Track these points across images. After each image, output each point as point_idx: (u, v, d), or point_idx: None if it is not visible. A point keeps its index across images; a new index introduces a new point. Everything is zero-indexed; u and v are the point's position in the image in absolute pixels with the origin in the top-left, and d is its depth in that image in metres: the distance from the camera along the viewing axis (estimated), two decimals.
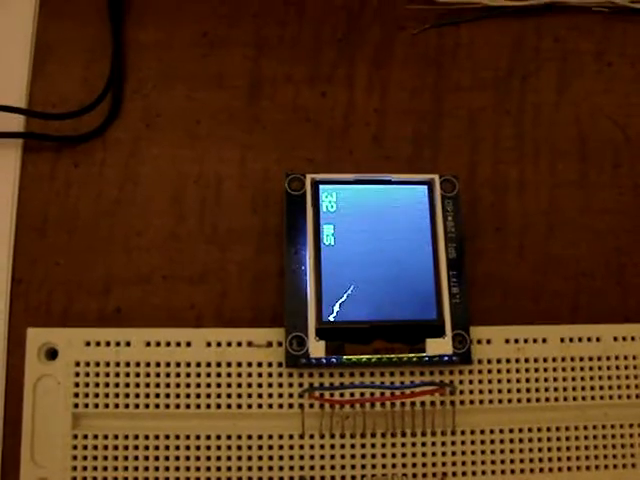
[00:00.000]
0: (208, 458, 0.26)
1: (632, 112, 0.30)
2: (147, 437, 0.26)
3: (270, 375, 0.27)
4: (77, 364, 0.26)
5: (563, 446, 0.27)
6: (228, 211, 0.29)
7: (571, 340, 0.28)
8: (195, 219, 0.29)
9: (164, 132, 0.29)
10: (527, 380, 0.27)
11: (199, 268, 0.28)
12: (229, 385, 0.26)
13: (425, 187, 0.28)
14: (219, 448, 0.26)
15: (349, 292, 0.26)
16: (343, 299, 0.26)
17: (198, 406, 0.26)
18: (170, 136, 0.29)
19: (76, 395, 0.26)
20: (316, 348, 0.26)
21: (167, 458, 0.26)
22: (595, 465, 0.27)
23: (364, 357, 0.26)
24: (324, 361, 0.26)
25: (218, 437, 0.26)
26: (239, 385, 0.26)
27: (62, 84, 0.30)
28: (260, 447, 0.26)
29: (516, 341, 0.27)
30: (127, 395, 0.26)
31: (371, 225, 0.27)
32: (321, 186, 0.27)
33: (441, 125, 0.30)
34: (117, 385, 0.26)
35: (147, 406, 0.26)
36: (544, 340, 0.27)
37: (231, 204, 0.29)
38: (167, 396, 0.26)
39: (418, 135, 0.30)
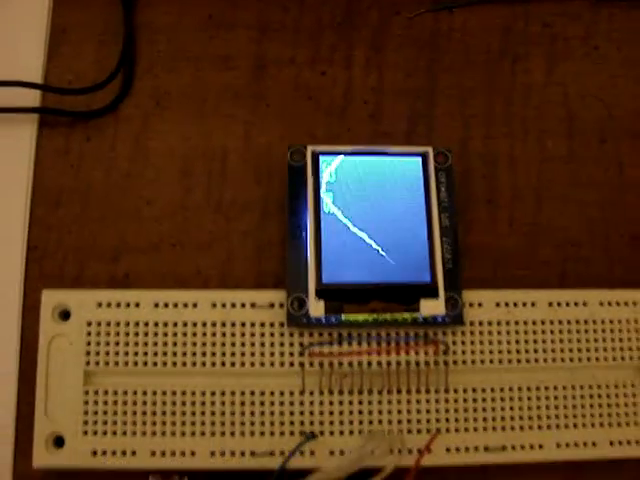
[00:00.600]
0: (212, 413, 0.27)
1: (617, 93, 0.32)
2: (155, 393, 0.27)
3: (272, 335, 0.28)
4: (89, 324, 0.28)
5: (552, 405, 0.28)
6: (233, 183, 0.30)
7: (559, 304, 0.29)
8: (202, 190, 0.30)
9: (173, 109, 0.31)
10: (517, 342, 0.28)
11: (205, 236, 0.30)
12: (233, 344, 0.28)
13: (419, 158, 0.29)
14: (223, 404, 0.27)
15: (347, 255, 0.28)
16: (342, 262, 0.28)
17: (204, 364, 0.28)
18: (178, 113, 0.31)
19: (87, 353, 0.28)
20: (316, 308, 0.27)
21: (174, 413, 0.27)
22: (582, 423, 0.28)
23: (361, 316, 0.27)
24: (323, 320, 0.27)
25: (222, 393, 0.27)
26: (243, 344, 0.28)
27: (76, 65, 0.31)
28: (262, 403, 0.27)
29: (506, 304, 0.29)
30: (136, 353, 0.28)
31: (368, 193, 0.29)
32: (321, 157, 0.29)
33: (435, 103, 0.31)
34: (127, 344, 0.28)
35: (155, 364, 0.28)
36: (533, 304, 0.29)
37: (236, 176, 0.30)
38: (174, 354, 0.28)
39: (413, 112, 0.31)
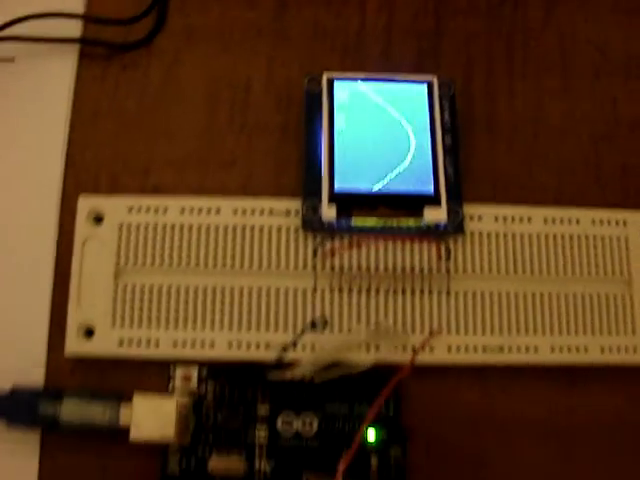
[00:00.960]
0: (231, 308, 0.30)
1: (610, 37, 0.35)
2: (178, 290, 0.30)
3: (288, 239, 0.30)
4: (120, 227, 0.30)
5: (546, 312, 0.30)
6: (255, 110, 0.33)
7: (553, 221, 0.31)
8: (226, 116, 0.33)
9: (202, 44, 0.34)
10: (514, 254, 0.31)
11: (229, 154, 0.32)
12: (252, 247, 0.30)
13: (425, 85, 0.32)
14: (241, 300, 0.30)
15: (358, 168, 0.30)
16: (352, 173, 0.30)
17: (224, 265, 0.30)
18: (207, 47, 0.34)
19: (118, 253, 0.30)
20: (328, 213, 0.30)
21: (195, 308, 0.30)
22: (575, 330, 0.30)
23: (370, 221, 0.30)
24: (335, 225, 0.30)
25: (241, 291, 0.30)
26: (261, 247, 0.30)
27: (113, 5, 0.34)
28: (277, 300, 0.30)
29: (504, 219, 0.31)
30: (162, 254, 0.30)
31: (378, 115, 0.31)
32: (335, 82, 0.32)
33: (440, 44, 0.34)
34: (154, 246, 0.30)
35: (179, 263, 0.30)
36: (529, 219, 0.31)
37: (258, 104, 0.33)
38: (197, 255, 0.30)
39: (421, 51, 0.34)
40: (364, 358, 0.29)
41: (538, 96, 0.34)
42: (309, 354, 0.29)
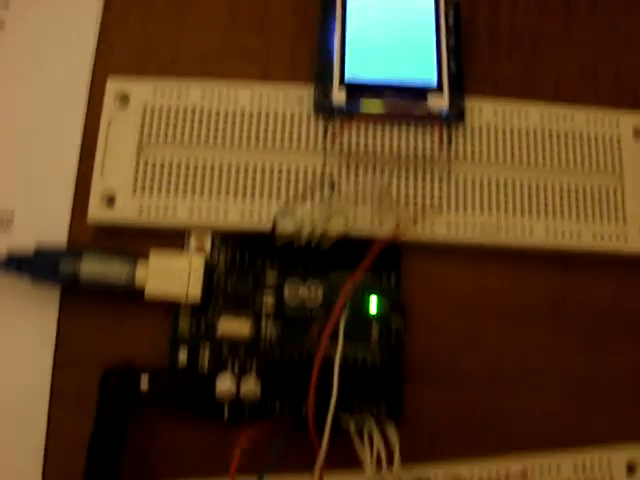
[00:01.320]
0: (245, 182, 0.31)
1: None
2: (196, 164, 0.32)
3: (300, 122, 0.32)
4: (144, 108, 0.33)
5: (541, 197, 0.32)
6: (273, 14, 0.35)
7: (549, 118, 0.33)
8: (246, 18, 0.35)
9: None
10: (511, 145, 0.33)
11: (249, 49, 0.35)
12: (266, 129, 0.32)
13: None
14: (255, 176, 0.32)
15: (368, 60, 0.33)
16: (363, 64, 0.32)
17: (240, 144, 0.32)
18: None
19: (141, 131, 0.32)
20: (338, 97, 0.32)
21: (212, 181, 0.31)
22: (568, 215, 0.32)
23: (377, 106, 0.32)
24: (344, 108, 0.32)
25: (254, 168, 0.32)
26: (275, 129, 0.32)
27: None
28: (289, 175, 0.32)
29: (503, 113, 0.33)
30: (183, 133, 0.32)
31: (389, 14, 0.34)
32: None
33: None
34: (175, 125, 0.32)
35: (199, 142, 0.32)
36: (526, 115, 0.33)
37: (276, 8, 0.36)
38: (215, 135, 0.32)
39: None
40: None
41: (538, 13, 0.36)
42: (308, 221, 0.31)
